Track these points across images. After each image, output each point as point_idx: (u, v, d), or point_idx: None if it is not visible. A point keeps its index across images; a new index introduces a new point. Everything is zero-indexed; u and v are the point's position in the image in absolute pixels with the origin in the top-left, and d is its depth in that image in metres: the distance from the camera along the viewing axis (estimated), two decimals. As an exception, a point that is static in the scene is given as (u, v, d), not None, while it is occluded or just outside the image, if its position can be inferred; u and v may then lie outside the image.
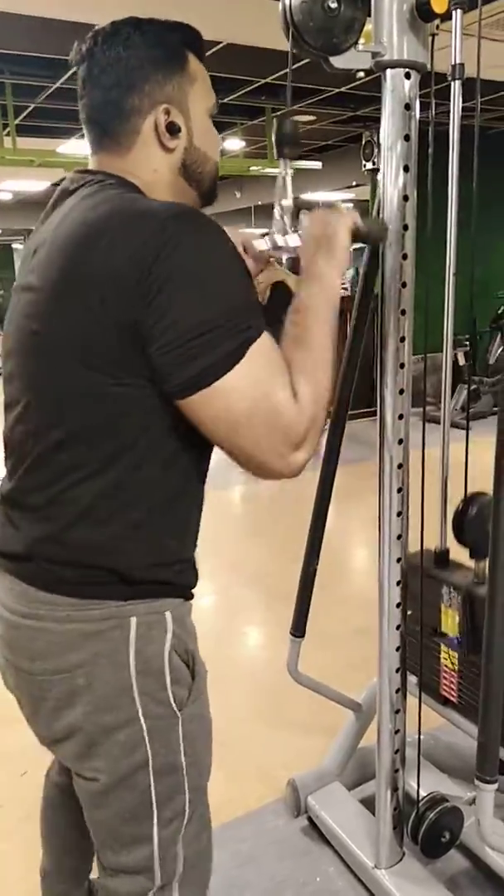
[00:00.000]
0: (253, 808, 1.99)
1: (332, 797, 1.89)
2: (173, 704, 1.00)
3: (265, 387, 0.89)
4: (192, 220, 0.89)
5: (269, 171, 7.93)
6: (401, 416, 1.43)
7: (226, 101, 6.10)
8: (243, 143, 8.17)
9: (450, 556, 1.70)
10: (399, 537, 1.48)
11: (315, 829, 1.89)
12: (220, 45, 4.37)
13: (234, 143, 8.14)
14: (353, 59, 1.23)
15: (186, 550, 1.04)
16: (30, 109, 6.07)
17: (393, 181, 1.33)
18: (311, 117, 6.99)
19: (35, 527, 0.98)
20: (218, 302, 0.87)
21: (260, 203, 12.82)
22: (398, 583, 1.51)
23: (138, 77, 0.98)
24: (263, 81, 5.47)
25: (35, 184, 8.39)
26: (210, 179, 1.08)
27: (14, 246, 16.53)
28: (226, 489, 5.21)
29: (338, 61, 1.22)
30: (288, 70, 1.16)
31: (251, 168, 7.83)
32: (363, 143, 5.97)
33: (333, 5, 1.17)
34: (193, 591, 1.07)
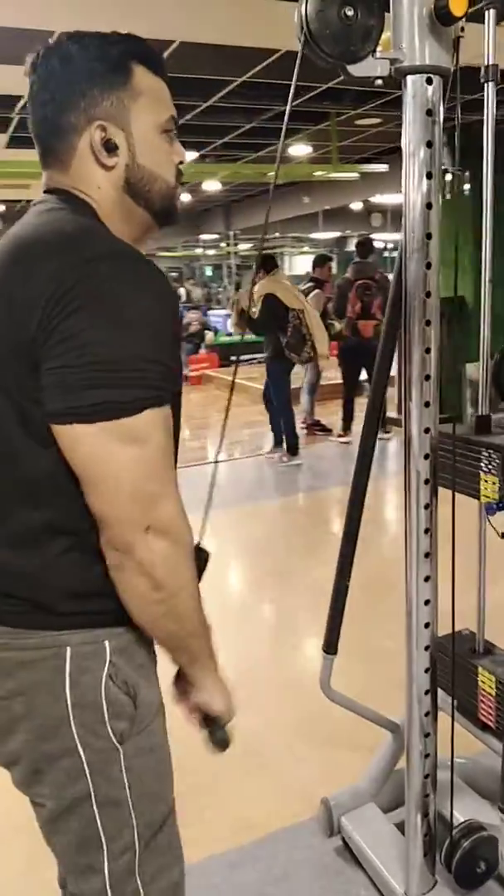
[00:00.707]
0: (288, 825, 1.97)
1: (365, 818, 1.84)
2: (113, 738, 0.97)
3: (152, 450, 0.88)
4: (130, 262, 0.90)
5: (335, 175, 7.90)
6: (427, 430, 1.38)
7: (288, 107, 6.10)
8: (309, 149, 8.15)
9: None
10: (427, 556, 1.43)
11: (349, 850, 1.84)
12: (281, 53, 4.39)
13: (300, 150, 8.14)
14: (370, 67, 1.21)
15: None
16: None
17: (416, 188, 1.29)
18: (377, 120, 6.92)
19: None
20: (131, 347, 0.86)
21: (328, 207, 12.76)
22: (426, 602, 1.45)
23: (72, 93, 0.95)
24: (326, 86, 5.45)
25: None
26: (161, 198, 1.02)
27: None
28: (284, 497, 5.20)
29: (355, 69, 1.20)
30: (293, 77, 1.14)
31: (315, 173, 7.82)
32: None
33: (350, 13, 1.15)
34: None
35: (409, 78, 1.24)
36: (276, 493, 5.35)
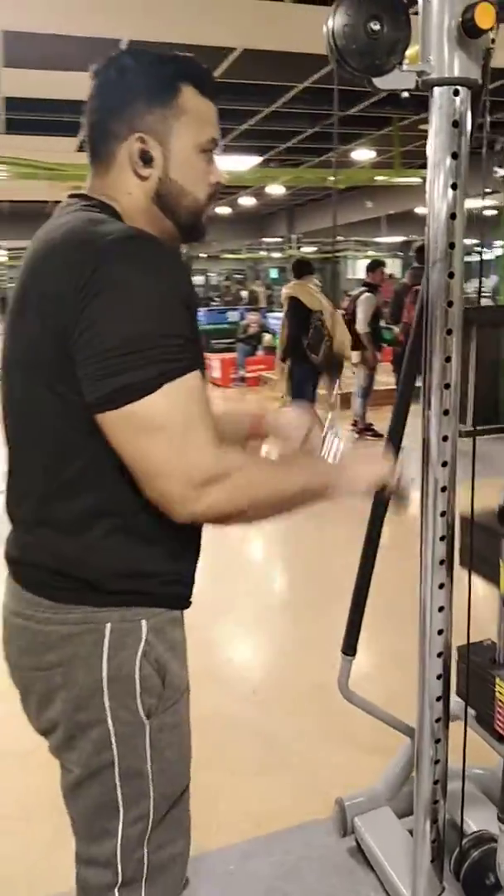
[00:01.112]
0: (304, 822, 1.99)
1: (379, 821, 1.85)
2: (141, 712, 1.03)
3: (178, 425, 0.91)
4: (137, 245, 0.93)
5: (397, 180, 7.86)
6: (445, 438, 1.39)
7: (351, 112, 6.12)
8: (372, 154, 8.13)
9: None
10: (442, 563, 1.44)
11: (361, 852, 1.86)
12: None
13: (363, 154, 8.13)
14: (397, 80, 1.23)
15: (169, 567, 1.06)
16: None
17: (440, 198, 1.30)
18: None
19: (23, 532, 1.06)
20: (141, 326, 0.90)
21: (392, 212, 12.66)
22: (440, 608, 1.46)
23: (120, 102, 1.01)
24: (388, 92, 5.44)
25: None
26: (188, 214, 1.07)
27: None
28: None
29: (381, 82, 1.23)
30: (335, 96, 1.17)
31: (377, 178, 7.79)
32: (496, 149, 5.77)
33: (376, 27, 1.18)
34: (185, 600, 1.10)
35: (436, 90, 1.26)
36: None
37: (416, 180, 7.88)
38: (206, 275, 25.19)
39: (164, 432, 0.91)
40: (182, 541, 1.06)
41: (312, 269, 5.89)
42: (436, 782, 1.55)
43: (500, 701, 1.68)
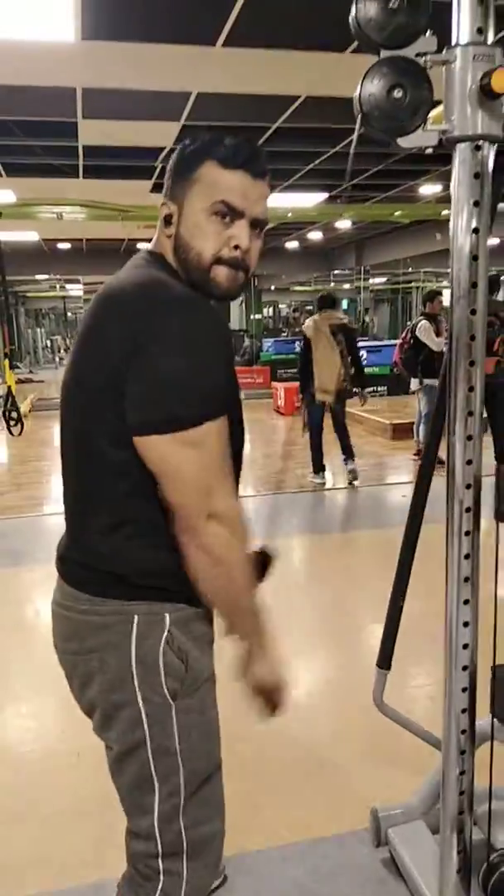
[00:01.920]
0: (341, 832, 2.07)
1: (412, 834, 1.91)
2: (167, 694, 1.17)
3: (211, 455, 1.08)
4: (193, 306, 1.10)
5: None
6: (469, 462, 1.49)
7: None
8: (438, 188, 8.23)
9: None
10: (467, 580, 1.53)
11: (394, 863, 1.92)
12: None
13: (429, 189, 8.26)
14: (420, 139, 1.37)
15: (181, 563, 1.17)
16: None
17: (463, 242, 1.43)
18: (507, 159, 6.90)
19: (68, 536, 1.24)
20: (193, 373, 1.07)
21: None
22: (465, 623, 1.54)
23: (167, 176, 1.22)
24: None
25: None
26: (193, 269, 1.17)
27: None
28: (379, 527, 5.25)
29: (405, 141, 1.37)
30: (350, 154, 1.32)
31: (443, 213, 7.88)
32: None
33: (398, 95, 1.33)
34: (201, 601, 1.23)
35: (458, 146, 1.39)
36: (368, 523, 5.36)
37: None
38: (276, 307, 25.63)
39: (197, 462, 1.08)
40: None
41: (332, 302, 6.09)
42: (461, 793, 1.62)
43: (531, 719, 1.73)
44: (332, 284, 20.74)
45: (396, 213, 8.17)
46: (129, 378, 1.07)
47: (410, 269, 17.56)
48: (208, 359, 1.09)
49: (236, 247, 1.17)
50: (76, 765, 2.39)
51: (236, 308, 17.81)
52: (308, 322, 6.03)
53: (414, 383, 6.81)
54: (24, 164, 6.64)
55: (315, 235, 13.14)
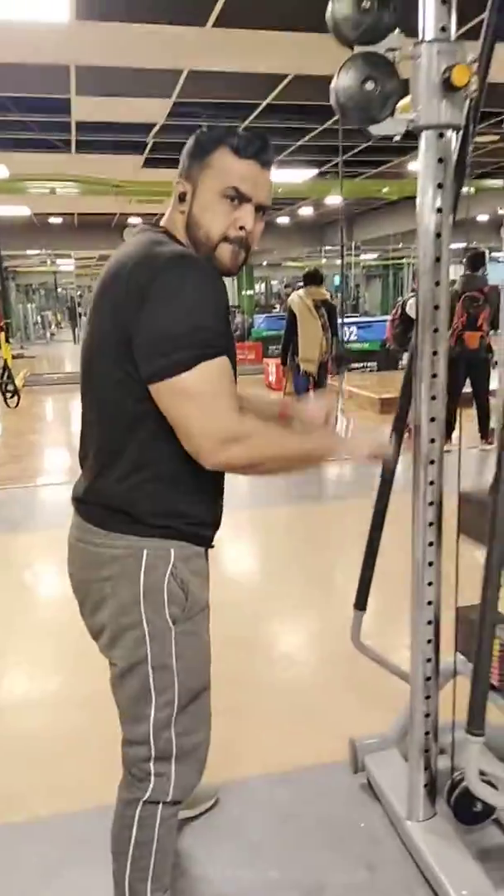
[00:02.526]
0: (325, 762, 2.26)
1: (386, 760, 2.11)
2: (168, 619, 1.35)
3: (209, 395, 1.22)
4: (184, 261, 1.24)
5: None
6: (433, 419, 1.67)
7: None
8: None
9: None
10: (431, 524, 1.71)
11: (371, 788, 2.12)
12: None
13: (417, 165, 8.34)
14: (391, 126, 1.52)
15: (194, 511, 1.36)
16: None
17: (428, 220, 1.58)
18: (494, 137, 7.00)
19: (86, 479, 1.41)
20: (185, 321, 1.20)
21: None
22: (430, 563, 1.73)
23: (182, 159, 1.35)
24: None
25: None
26: (202, 244, 1.32)
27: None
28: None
29: (376, 129, 1.52)
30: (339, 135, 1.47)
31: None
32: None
33: (369, 87, 1.48)
34: (206, 539, 1.42)
35: (424, 133, 1.55)
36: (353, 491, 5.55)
37: (469, 191, 8.03)
38: (269, 282, 25.62)
39: (198, 399, 1.22)
40: (205, 494, 1.39)
41: (317, 279, 6.44)
42: (427, 715, 1.82)
43: (495, 655, 1.92)
44: (324, 260, 20.76)
45: (384, 190, 8.26)
46: (135, 332, 1.23)
47: (401, 245, 17.60)
48: (204, 306, 1.23)
49: (241, 228, 1.31)
50: (83, 706, 2.58)
51: (229, 284, 17.85)
52: (293, 297, 6.32)
53: (405, 359, 6.95)
54: (17, 139, 6.69)
55: (306, 211, 13.17)
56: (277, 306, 17.71)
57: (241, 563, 4.13)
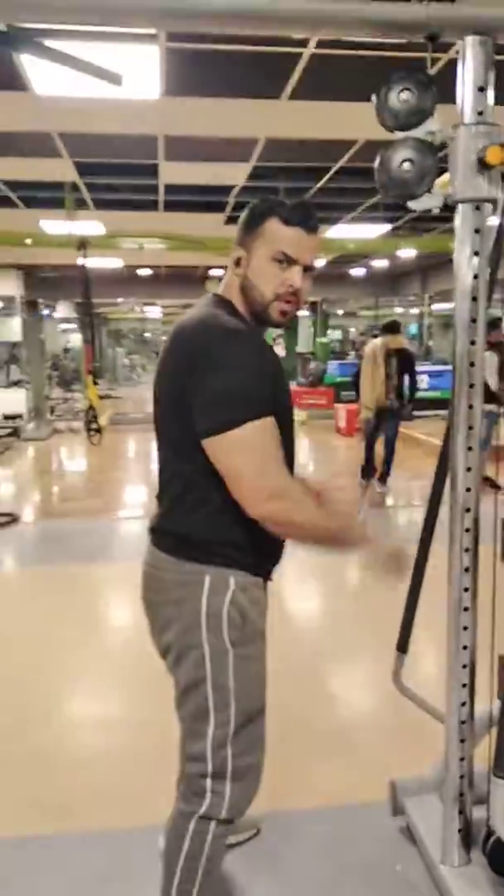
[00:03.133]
0: (366, 801, 2.30)
1: (425, 805, 2.13)
2: (227, 641, 1.47)
3: (257, 451, 1.37)
4: (231, 333, 1.42)
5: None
6: (469, 469, 1.76)
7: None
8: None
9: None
10: (467, 570, 1.78)
11: (409, 831, 2.15)
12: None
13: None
14: (427, 201, 1.67)
15: (245, 540, 1.48)
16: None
17: (465, 285, 1.71)
18: None
19: (160, 513, 1.58)
20: (234, 386, 1.38)
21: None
22: (465, 609, 1.79)
23: (238, 230, 1.53)
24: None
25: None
26: (257, 303, 1.49)
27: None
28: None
29: (414, 204, 1.67)
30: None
31: None
32: None
33: (407, 166, 1.63)
34: (265, 570, 1.55)
35: (460, 206, 1.68)
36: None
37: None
38: (347, 331, 25.88)
39: (246, 455, 1.39)
40: (262, 530, 1.47)
41: (393, 328, 6.67)
42: (461, 777, 1.85)
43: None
44: (398, 310, 20.86)
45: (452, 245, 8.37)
46: (191, 393, 1.41)
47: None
48: (249, 374, 1.40)
49: (290, 286, 1.48)
50: (138, 728, 2.72)
51: (305, 330, 18.14)
52: (369, 345, 6.62)
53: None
54: (111, 199, 7.24)
55: (380, 263, 13.39)
56: (352, 353, 17.86)
57: (301, 602, 4.23)
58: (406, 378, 6.46)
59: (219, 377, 1.39)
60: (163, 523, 1.57)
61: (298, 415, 12.80)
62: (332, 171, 6.14)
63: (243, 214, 1.55)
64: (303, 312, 19.92)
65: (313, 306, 17.52)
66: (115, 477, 8.00)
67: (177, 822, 1.57)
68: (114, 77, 1.64)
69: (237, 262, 1.53)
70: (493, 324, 7.24)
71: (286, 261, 1.47)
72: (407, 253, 10.09)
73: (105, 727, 2.82)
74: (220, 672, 1.49)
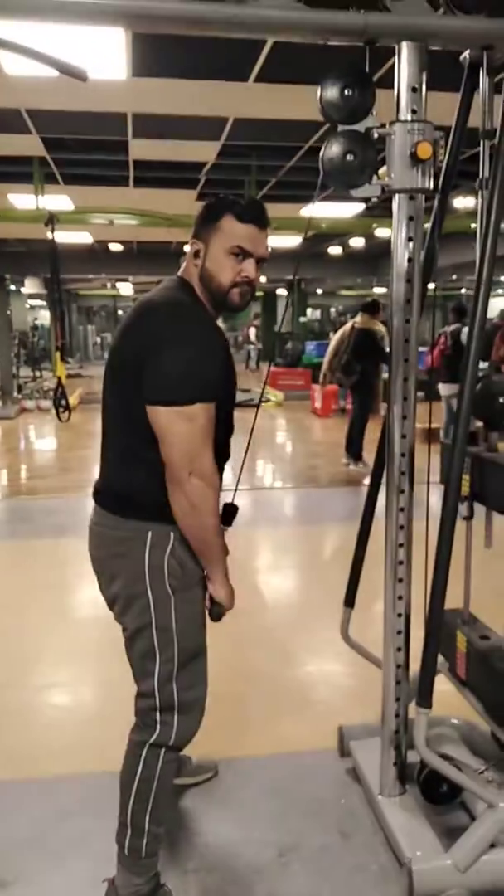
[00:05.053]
0: (316, 748, 2.50)
1: (368, 746, 2.32)
2: (168, 589, 1.64)
3: (195, 428, 1.53)
4: (193, 317, 1.59)
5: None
6: (404, 436, 1.93)
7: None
8: (470, 202, 8.55)
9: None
10: (402, 527, 1.96)
11: (356, 772, 2.34)
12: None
13: (463, 202, 8.57)
14: (368, 190, 1.81)
15: None
16: (271, 184, 7.22)
17: (400, 268, 1.86)
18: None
19: (103, 475, 1.74)
20: (189, 365, 1.55)
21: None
22: (400, 562, 1.97)
23: (196, 223, 1.69)
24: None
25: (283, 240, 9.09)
26: (216, 292, 1.65)
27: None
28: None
29: (356, 192, 1.81)
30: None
31: (472, 225, 8.18)
32: None
33: (350, 158, 1.77)
34: None
35: (396, 196, 1.84)
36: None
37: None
38: (327, 310, 25.96)
39: (186, 428, 1.54)
40: None
41: (370, 308, 6.97)
42: (396, 715, 2.04)
43: (459, 648, 2.15)
44: (375, 289, 21.00)
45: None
46: (146, 366, 1.56)
47: (455, 277, 17.70)
48: (201, 359, 1.56)
49: (246, 276, 1.65)
50: (104, 687, 2.89)
51: (283, 310, 18.16)
52: (348, 323, 7.02)
53: (444, 388, 6.95)
54: (80, 174, 7.24)
55: (358, 243, 13.50)
56: (332, 333, 18.00)
57: (260, 575, 4.42)
58: (361, 359, 6.67)
59: (178, 354, 1.54)
60: (107, 485, 1.73)
61: (275, 396, 12.91)
62: (302, 151, 6.22)
63: (200, 210, 1.69)
64: (281, 291, 19.95)
65: (291, 285, 17.55)
66: (83, 455, 8.08)
67: (131, 751, 1.74)
68: (79, 72, 1.75)
69: (196, 254, 1.67)
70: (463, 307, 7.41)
71: (242, 254, 1.64)
72: (383, 233, 10.19)
73: (73, 688, 2.98)
74: (163, 616, 1.65)
